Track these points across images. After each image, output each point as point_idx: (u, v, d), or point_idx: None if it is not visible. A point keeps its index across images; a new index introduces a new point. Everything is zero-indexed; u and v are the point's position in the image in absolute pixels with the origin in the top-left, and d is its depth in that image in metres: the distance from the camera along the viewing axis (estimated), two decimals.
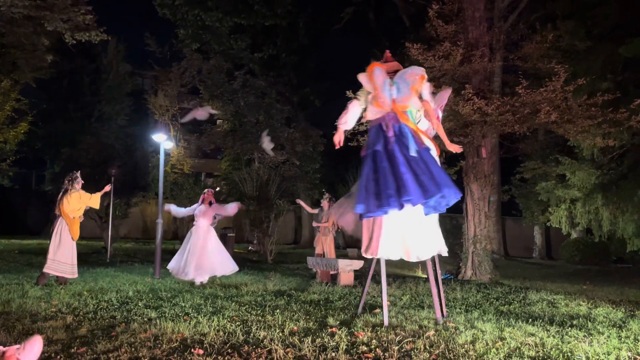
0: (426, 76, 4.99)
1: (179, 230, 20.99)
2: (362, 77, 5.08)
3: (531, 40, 11.05)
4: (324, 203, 10.58)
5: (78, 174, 8.12)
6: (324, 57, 28.23)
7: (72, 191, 7.92)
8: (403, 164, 4.68)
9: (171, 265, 8.67)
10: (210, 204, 8.92)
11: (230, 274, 8.80)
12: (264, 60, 22.36)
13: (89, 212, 15.41)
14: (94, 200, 8.04)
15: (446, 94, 5.87)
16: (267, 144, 6.32)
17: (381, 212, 4.70)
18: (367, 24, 23.91)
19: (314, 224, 10.95)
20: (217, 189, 28.98)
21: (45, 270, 7.65)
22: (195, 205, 9.00)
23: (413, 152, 4.72)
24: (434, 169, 4.72)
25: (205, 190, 9.31)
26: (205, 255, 8.48)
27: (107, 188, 8.56)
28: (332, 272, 9.22)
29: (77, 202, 7.88)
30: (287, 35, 22.83)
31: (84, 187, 8.20)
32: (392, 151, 4.79)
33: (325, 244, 10.41)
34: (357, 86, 5.27)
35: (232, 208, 9.08)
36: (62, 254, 7.72)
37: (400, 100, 4.89)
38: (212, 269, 8.49)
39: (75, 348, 3.76)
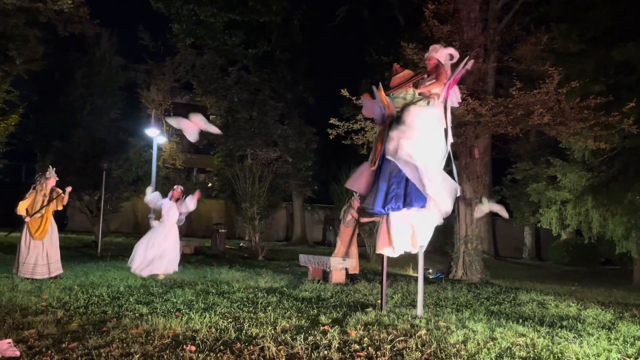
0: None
1: None
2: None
3: (525, 42, 11.10)
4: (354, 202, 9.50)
5: (43, 173, 7.88)
6: (319, 55, 28.19)
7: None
8: None
9: (135, 263, 8.51)
10: (177, 200, 8.91)
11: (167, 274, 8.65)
12: (258, 56, 22.32)
13: (80, 207, 15.36)
14: (20, 205, 7.68)
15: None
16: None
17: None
18: (362, 22, 23.92)
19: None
20: (210, 185, 28.94)
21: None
22: (164, 200, 8.91)
23: None
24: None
25: (175, 186, 9.21)
26: (165, 252, 8.54)
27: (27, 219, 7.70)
28: (324, 270, 9.20)
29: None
30: (281, 32, 22.80)
31: (70, 183, 8.14)
32: None
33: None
34: (352, 84, 5.31)
35: (191, 202, 8.99)
36: (30, 256, 7.55)
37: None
38: (163, 267, 8.52)
39: (66, 343, 3.74)
